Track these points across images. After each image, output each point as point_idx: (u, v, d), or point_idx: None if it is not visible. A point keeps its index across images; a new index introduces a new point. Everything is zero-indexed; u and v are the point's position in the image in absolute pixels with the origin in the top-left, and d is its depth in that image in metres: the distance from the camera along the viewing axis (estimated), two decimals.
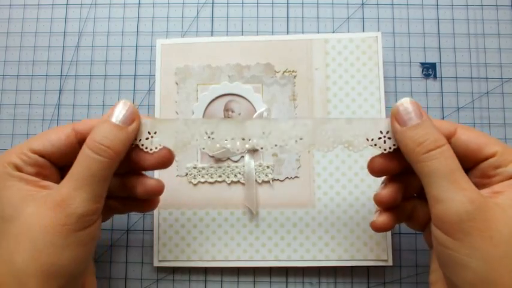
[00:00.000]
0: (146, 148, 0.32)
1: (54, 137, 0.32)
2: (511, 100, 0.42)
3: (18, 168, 0.31)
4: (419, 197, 0.34)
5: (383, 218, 0.32)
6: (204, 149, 0.32)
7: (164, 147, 0.33)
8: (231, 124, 0.32)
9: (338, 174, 0.40)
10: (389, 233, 0.39)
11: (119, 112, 0.31)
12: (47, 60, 0.44)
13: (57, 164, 0.32)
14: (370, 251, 0.39)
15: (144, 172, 0.34)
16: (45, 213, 0.29)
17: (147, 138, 0.32)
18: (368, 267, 0.40)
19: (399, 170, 0.32)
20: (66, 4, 0.44)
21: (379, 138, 0.31)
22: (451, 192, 0.27)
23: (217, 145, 0.32)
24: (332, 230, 0.39)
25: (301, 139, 0.32)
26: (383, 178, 0.34)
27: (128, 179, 0.33)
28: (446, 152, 0.29)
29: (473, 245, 0.26)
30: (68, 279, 0.29)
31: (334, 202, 0.40)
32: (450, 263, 0.27)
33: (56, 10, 0.44)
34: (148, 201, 0.35)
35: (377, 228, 0.33)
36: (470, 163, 0.31)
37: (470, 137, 0.30)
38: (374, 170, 0.32)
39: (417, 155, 0.29)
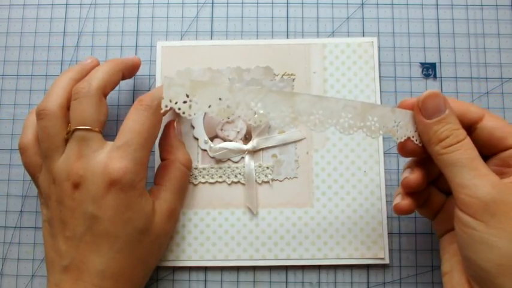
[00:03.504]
0: (184, 113, 0.30)
1: (155, 140, 0.37)
2: (511, 100, 0.42)
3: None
4: (434, 185, 0.35)
5: (407, 201, 0.34)
6: (249, 121, 0.30)
7: None
8: (280, 97, 0.30)
9: (336, 175, 0.40)
10: (385, 232, 0.39)
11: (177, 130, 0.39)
12: (46, 60, 0.44)
13: None
14: (368, 249, 0.39)
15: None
16: (166, 222, 0.37)
17: (184, 102, 0.29)
18: (368, 267, 0.40)
19: (426, 154, 0.33)
20: (66, 4, 0.44)
21: (415, 131, 0.32)
22: (473, 179, 0.29)
23: (264, 119, 0.29)
24: (330, 229, 0.40)
25: (350, 122, 0.31)
26: (405, 164, 0.36)
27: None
28: (466, 144, 0.30)
29: (499, 225, 0.28)
30: None
31: (333, 202, 0.40)
32: (476, 245, 0.28)
33: (56, 10, 0.44)
34: None
35: (401, 210, 0.34)
36: (492, 151, 0.32)
37: (496, 125, 0.31)
38: (406, 150, 0.33)
39: (439, 149, 0.30)
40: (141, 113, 0.34)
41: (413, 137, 0.33)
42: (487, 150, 0.32)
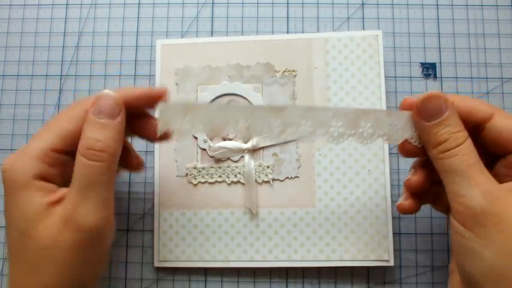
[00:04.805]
0: (179, 134, 0.31)
1: (72, 128, 0.30)
2: (511, 100, 0.42)
3: (41, 176, 0.30)
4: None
5: (409, 201, 0.33)
6: (239, 137, 0.31)
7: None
8: (267, 112, 0.31)
9: (339, 174, 0.40)
10: (390, 234, 0.39)
11: (103, 105, 0.30)
12: (47, 60, 0.44)
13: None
14: (371, 251, 0.39)
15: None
16: (59, 231, 0.29)
17: (179, 124, 0.31)
18: (368, 267, 0.40)
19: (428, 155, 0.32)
20: (66, 4, 0.44)
21: (414, 132, 0.32)
22: (466, 188, 0.28)
23: (254, 134, 0.31)
24: (333, 230, 0.39)
25: (340, 130, 0.31)
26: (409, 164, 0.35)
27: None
28: (465, 149, 0.29)
29: (488, 237, 0.27)
30: None
31: (335, 202, 0.40)
32: (465, 252, 0.28)
33: (56, 10, 0.44)
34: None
35: (403, 210, 0.34)
36: (501, 151, 0.31)
37: (505, 126, 0.30)
38: (405, 151, 0.33)
39: (437, 153, 0.30)
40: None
41: (411, 138, 0.32)
42: (497, 150, 0.31)
